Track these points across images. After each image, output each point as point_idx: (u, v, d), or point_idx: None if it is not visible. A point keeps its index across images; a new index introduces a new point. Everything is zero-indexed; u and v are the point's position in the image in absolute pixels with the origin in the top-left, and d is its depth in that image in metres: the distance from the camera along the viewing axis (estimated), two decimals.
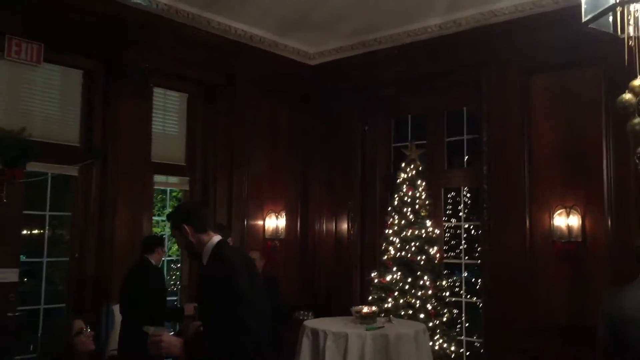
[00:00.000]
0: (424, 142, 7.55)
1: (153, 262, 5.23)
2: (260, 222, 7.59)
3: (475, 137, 7.21)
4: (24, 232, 5.97)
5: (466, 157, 7.62)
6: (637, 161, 3.18)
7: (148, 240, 5.40)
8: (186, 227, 3.18)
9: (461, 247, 7.55)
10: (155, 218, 6.99)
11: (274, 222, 7.64)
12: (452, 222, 7.80)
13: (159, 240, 5.43)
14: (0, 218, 5.49)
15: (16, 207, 5.60)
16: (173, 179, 7.00)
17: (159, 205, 8.25)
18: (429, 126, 7.65)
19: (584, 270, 5.78)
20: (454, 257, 7.65)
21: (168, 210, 8.19)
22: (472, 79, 6.78)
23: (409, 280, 6.65)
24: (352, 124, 7.93)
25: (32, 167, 5.66)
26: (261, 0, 6.17)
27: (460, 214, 7.66)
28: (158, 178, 6.79)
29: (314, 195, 8.11)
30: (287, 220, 7.73)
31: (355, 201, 7.85)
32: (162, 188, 7.15)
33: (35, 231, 6.18)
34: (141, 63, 6.32)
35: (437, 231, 6.92)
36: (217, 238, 3.24)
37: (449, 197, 7.89)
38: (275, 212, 7.66)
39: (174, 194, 8.29)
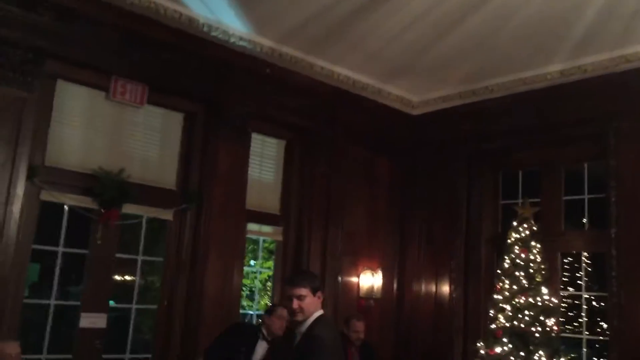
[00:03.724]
0: (537, 200, 6.85)
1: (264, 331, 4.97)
2: (354, 279, 7.09)
3: (598, 197, 6.47)
4: (115, 276, 5.79)
5: (584, 219, 6.85)
6: None
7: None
8: (321, 294, 3.25)
9: (581, 320, 6.67)
10: (245, 269, 6.67)
11: (369, 280, 7.12)
12: (568, 290, 6.94)
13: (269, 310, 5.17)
14: (93, 260, 5.35)
15: (110, 250, 5.44)
16: (266, 228, 6.69)
17: (250, 255, 7.96)
18: (544, 183, 6.95)
19: None
20: (572, 331, 6.76)
21: (260, 261, 7.86)
22: (597, 131, 6.11)
23: (522, 353, 5.87)
24: (456, 178, 7.37)
25: (128, 209, 5.52)
26: (367, 45, 5.88)
27: (579, 282, 6.82)
28: (251, 226, 6.50)
29: (412, 253, 7.53)
30: (383, 278, 7.20)
31: (459, 261, 7.19)
32: (254, 237, 6.84)
33: (127, 277, 6.00)
34: (242, 107, 6.16)
35: (554, 300, 6.13)
36: (320, 311, 3.24)
37: (566, 263, 7.06)
38: (371, 269, 7.15)
39: (265, 244, 7.98)
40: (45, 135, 5.15)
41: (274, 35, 5.69)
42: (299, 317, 3.21)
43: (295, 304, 3.21)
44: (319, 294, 3.26)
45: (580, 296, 6.66)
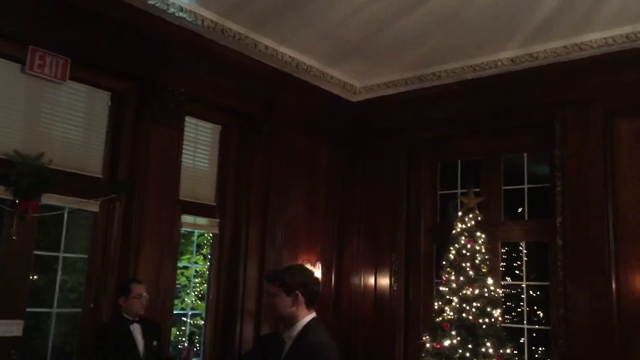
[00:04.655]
0: (477, 189, 6.77)
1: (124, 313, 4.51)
2: None
3: (538, 187, 6.51)
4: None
5: (521, 209, 6.88)
6: None
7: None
8: (301, 295, 2.82)
9: (520, 310, 6.70)
10: (180, 264, 6.11)
11: None
12: (507, 280, 6.94)
13: (122, 286, 4.67)
14: (6, 258, 4.61)
15: (26, 247, 4.72)
16: (202, 220, 6.15)
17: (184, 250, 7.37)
18: (484, 173, 6.90)
19: None
20: (511, 321, 6.76)
21: (195, 257, 7.28)
22: (541, 120, 6.11)
23: (470, 346, 5.77)
24: (397, 167, 7.18)
25: (48, 199, 4.82)
26: (317, 25, 5.50)
27: (517, 272, 6.85)
28: (185, 218, 5.94)
29: (351, 244, 7.28)
30: (322, 271, 6.88)
31: (400, 253, 7.01)
32: (189, 230, 6.28)
33: (44, 276, 5.27)
34: (177, 88, 5.58)
35: (499, 290, 6.09)
36: (311, 316, 2.85)
37: (503, 253, 7.07)
38: (310, 262, 6.81)
39: (192, 238, 7.40)
40: None
41: (217, 8, 5.17)
42: (272, 316, 2.93)
43: (265, 300, 2.89)
44: (296, 293, 2.85)
45: (522, 286, 6.67)
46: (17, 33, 4.64)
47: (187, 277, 7.88)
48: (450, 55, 6.01)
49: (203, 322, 7.05)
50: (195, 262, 7.40)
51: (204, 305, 7.35)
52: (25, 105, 4.82)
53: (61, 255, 5.07)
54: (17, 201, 4.57)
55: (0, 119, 4.64)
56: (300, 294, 2.83)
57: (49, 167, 4.77)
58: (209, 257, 6.38)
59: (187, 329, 6.66)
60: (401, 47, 5.89)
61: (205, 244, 7.59)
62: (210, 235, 6.88)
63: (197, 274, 8.06)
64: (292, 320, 2.80)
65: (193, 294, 7.87)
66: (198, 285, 7.85)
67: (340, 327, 7.02)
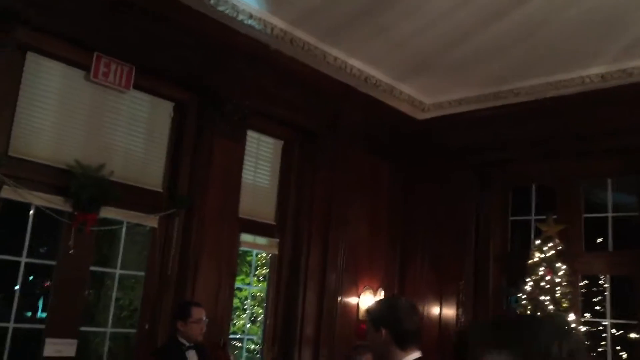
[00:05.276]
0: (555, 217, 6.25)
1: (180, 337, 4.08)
2: (354, 300, 6.31)
3: (622, 215, 5.99)
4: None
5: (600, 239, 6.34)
6: None
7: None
8: (386, 333, 2.37)
9: (600, 350, 6.11)
10: (238, 285, 5.78)
11: (370, 301, 6.36)
12: (585, 317, 6.36)
13: (181, 309, 4.23)
14: (62, 273, 4.38)
15: (83, 262, 4.48)
16: (261, 240, 5.84)
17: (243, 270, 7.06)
18: (561, 199, 6.39)
19: None
20: None
21: (253, 279, 6.96)
22: (631, 144, 5.60)
23: None
24: (465, 190, 6.74)
25: (106, 212, 4.58)
26: (388, 37, 5.18)
27: (599, 307, 6.27)
28: (245, 237, 5.64)
29: (414, 270, 6.84)
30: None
31: (468, 282, 6.54)
32: (246, 249, 5.98)
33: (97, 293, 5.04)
34: (241, 99, 5.32)
35: (581, 328, 5.56)
36: (413, 356, 2.38)
37: (582, 287, 6.50)
38: (372, 288, 6.41)
39: (248, 258, 7.09)
40: (10, 118, 4.17)
41: (288, 16, 4.90)
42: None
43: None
44: (381, 330, 2.40)
45: (603, 324, 6.09)
46: (82, 37, 4.46)
47: (239, 299, 7.56)
48: (530, 71, 5.59)
49: (254, 347, 6.73)
50: (248, 284, 7.07)
51: (255, 328, 7.02)
52: (87, 113, 4.63)
53: (118, 272, 4.81)
54: (75, 213, 4.35)
55: (61, 127, 4.45)
56: (385, 332, 2.40)
57: (110, 180, 4.54)
58: (262, 278, 6.06)
59: (242, 352, 6.30)
60: (478, 62, 5.51)
61: (259, 265, 7.28)
62: (264, 255, 6.59)
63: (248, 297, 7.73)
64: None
65: (243, 316, 7.53)
66: (249, 307, 7.51)
67: None
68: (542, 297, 5.56)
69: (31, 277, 6.41)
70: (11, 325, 4.14)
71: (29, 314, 6.39)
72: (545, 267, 5.65)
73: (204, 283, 4.98)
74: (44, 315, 4.50)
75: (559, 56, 5.19)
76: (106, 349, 4.65)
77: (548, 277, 5.61)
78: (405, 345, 2.38)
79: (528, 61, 5.35)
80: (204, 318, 4.24)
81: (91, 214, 4.38)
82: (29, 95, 4.29)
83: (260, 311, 7.05)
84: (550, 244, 5.75)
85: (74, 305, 4.40)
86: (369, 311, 2.57)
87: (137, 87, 4.86)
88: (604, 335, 6.18)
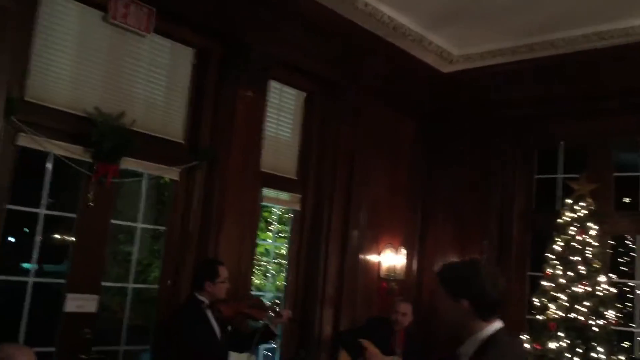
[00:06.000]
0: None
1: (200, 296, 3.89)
2: (375, 258, 6.15)
3: None
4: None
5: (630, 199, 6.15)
6: None
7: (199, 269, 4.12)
8: (468, 304, 2.18)
9: (633, 311, 5.98)
10: (259, 242, 5.58)
11: (391, 259, 6.21)
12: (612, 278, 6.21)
13: (208, 269, 4.00)
14: (82, 227, 4.17)
15: (104, 215, 4.27)
16: (284, 195, 5.63)
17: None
18: (590, 158, 6.17)
19: None
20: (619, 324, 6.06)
21: (271, 235, 6.76)
22: None
23: (579, 350, 5.15)
24: (490, 146, 6.51)
25: (126, 164, 4.34)
26: None
27: (625, 269, 6.14)
28: (267, 192, 5.43)
29: (436, 228, 6.67)
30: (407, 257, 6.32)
31: (492, 241, 6.37)
32: (268, 204, 5.78)
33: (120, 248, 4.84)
34: (265, 48, 5.02)
35: (612, 289, 5.41)
36: (493, 328, 2.19)
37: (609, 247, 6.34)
38: (393, 245, 6.24)
39: (265, 213, 6.88)
40: (26, 61, 3.88)
41: None
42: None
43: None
44: (460, 301, 2.20)
45: (633, 285, 5.95)
46: None
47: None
48: (570, 21, 5.28)
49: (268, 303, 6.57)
50: (263, 239, 6.90)
51: (270, 285, 6.88)
52: (106, 58, 4.34)
53: (139, 226, 4.60)
54: (95, 165, 4.11)
55: (79, 71, 4.17)
56: (466, 303, 2.20)
57: (131, 129, 4.29)
58: (278, 235, 5.85)
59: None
60: (514, 11, 5.19)
61: (271, 220, 7.08)
62: (277, 210, 6.40)
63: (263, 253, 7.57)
64: (468, 330, 2.21)
65: (261, 273, 7.38)
66: (265, 264, 7.35)
67: (420, 318, 6.43)
68: (572, 257, 5.40)
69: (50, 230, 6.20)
70: (31, 279, 3.96)
71: (50, 267, 6.19)
72: (578, 227, 5.46)
73: (227, 239, 4.79)
74: (64, 269, 4.27)
75: (602, 4, 4.86)
76: (128, 305, 4.46)
77: (580, 238, 5.43)
78: (489, 316, 2.19)
79: (568, 10, 5.03)
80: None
81: (113, 165, 4.14)
82: (46, 36, 3.99)
83: (275, 268, 6.91)
84: (582, 204, 5.54)
85: (95, 259, 4.21)
86: (444, 279, 2.31)
87: (157, 31, 4.56)
88: (630, 297, 6.08)
